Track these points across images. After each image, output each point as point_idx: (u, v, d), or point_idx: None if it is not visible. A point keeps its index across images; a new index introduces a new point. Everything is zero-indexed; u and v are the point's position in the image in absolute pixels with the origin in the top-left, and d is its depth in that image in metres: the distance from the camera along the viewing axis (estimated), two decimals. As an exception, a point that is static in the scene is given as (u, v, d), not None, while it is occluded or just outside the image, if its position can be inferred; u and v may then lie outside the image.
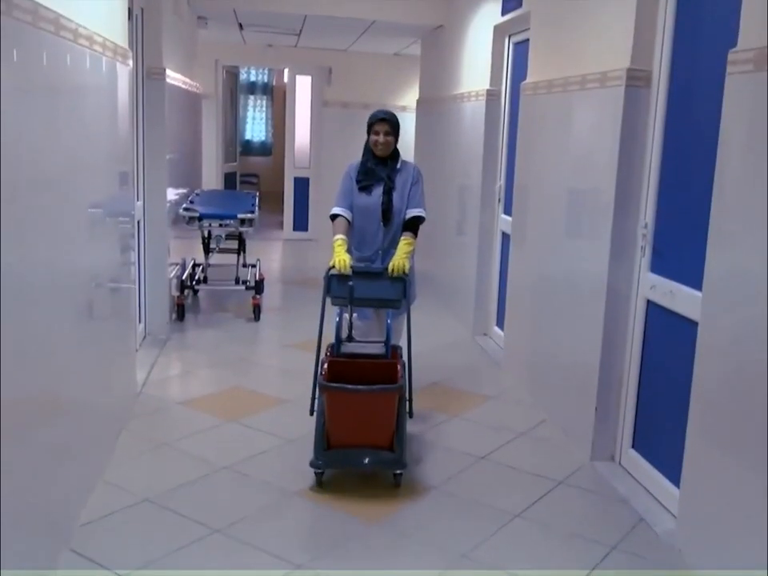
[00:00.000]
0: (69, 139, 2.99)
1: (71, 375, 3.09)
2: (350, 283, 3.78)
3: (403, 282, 3.87)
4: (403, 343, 4.00)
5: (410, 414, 3.72)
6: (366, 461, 3.52)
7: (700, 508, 2.99)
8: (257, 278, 6.74)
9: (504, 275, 5.63)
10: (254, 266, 7.10)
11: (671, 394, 3.42)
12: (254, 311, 6.49)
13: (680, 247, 3.42)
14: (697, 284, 3.07)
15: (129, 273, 4.40)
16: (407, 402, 3.68)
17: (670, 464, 3.39)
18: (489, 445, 4.11)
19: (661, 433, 3.57)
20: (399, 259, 3.94)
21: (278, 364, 5.59)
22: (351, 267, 3.85)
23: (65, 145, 2.93)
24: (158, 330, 5.78)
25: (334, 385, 3.49)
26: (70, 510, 3.11)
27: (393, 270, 3.88)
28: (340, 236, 4.03)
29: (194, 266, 7.07)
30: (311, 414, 3.64)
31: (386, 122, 4.12)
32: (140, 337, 5.51)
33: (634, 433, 3.81)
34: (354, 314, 3.96)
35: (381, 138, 4.11)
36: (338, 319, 3.92)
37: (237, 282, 6.68)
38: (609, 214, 3.74)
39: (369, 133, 4.17)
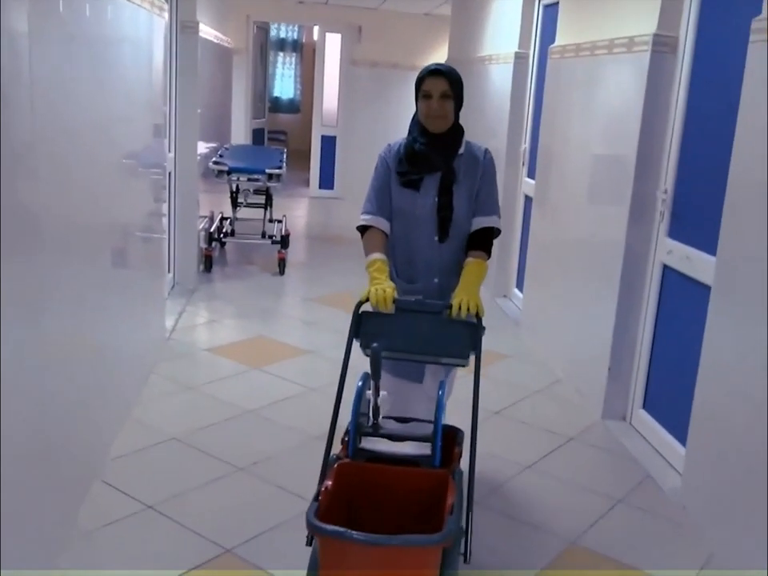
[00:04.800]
0: (108, 89, 3.10)
1: (103, 318, 3.23)
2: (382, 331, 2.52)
3: (474, 328, 2.59)
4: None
5: (466, 558, 2.29)
6: None
7: (705, 466, 3.09)
8: (283, 233, 6.88)
9: (525, 238, 5.70)
10: (280, 221, 7.25)
11: (683, 357, 3.51)
12: (279, 265, 6.63)
13: (698, 213, 3.48)
14: (713, 250, 3.13)
15: (160, 223, 4.53)
16: (463, 542, 2.29)
17: (678, 424, 3.49)
18: (503, 401, 4.23)
19: (671, 394, 3.66)
20: (468, 292, 2.64)
21: (301, 316, 5.73)
22: (395, 302, 2.57)
23: (104, 95, 3.04)
24: (186, 280, 5.95)
25: (330, 528, 1.99)
26: (101, 444, 3.28)
27: (460, 307, 2.57)
28: (377, 256, 2.72)
29: (222, 219, 7.21)
30: (308, 543, 2.26)
31: (443, 77, 2.76)
32: (169, 286, 5.67)
33: (645, 394, 3.91)
34: (383, 392, 2.43)
35: (434, 104, 2.74)
36: (359, 385, 2.45)
37: (263, 236, 6.81)
38: (629, 178, 3.80)
39: (417, 97, 2.80)
